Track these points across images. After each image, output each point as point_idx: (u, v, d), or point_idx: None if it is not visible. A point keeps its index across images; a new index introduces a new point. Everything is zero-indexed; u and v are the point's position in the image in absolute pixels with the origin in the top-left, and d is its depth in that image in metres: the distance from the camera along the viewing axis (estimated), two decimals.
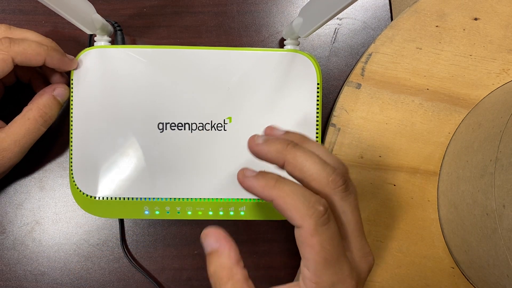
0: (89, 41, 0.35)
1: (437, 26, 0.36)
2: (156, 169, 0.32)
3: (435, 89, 0.36)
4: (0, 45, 0.28)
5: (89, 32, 0.31)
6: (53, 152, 0.37)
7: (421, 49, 0.36)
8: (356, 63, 0.37)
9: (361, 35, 0.38)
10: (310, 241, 0.21)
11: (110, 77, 0.32)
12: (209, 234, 0.24)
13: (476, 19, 0.36)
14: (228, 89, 0.33)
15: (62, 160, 0.37)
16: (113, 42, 0.35)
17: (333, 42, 0.38)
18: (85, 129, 0.32)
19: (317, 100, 0.33)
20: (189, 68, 0.33)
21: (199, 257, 0.37)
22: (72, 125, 0.32)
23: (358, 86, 0.36)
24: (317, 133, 0.33)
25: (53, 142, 0.37)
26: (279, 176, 0.23)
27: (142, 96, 0.32)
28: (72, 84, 0.33)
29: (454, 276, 0.36)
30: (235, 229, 0.37)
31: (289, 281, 0.29)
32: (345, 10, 0.34)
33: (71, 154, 0.33)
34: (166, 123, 0.33)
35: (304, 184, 0.23)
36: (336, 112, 0.36)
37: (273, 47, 0.38)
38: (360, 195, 0.36)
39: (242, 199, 0.33)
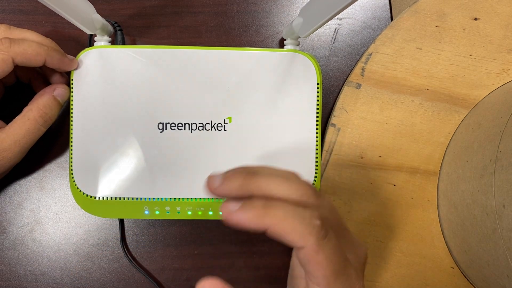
0: (89, 41, 0.35)
1: (437, 26, 0.36)
2: (156, 169, 0.32)
3: (435, 89, 0.36)
4: (0, 45, 0.28)
5: (89, 32, 0.31)
6: (53, 152, 0.37)
7: (421, 49, 0.36)
8: (356, 63, 0.37)
9: (361, 35, 0.38)
10: (316, 259, 0.21)
11: (110, 77, 0.32)
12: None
13: (476, 19, 0.36)
14: (228, 89, 0.33)
15: (62, 160, 0.37)
16: (113, 42, 0.35)
17: (333, 42, 0.38)
18: (85, 129, 0.32)
19: (317, 100, 0.33)
20: (189, 68, 0.33)
21: (199, 257, 0.37)
22: (72, 125, 0.32)
23: (358, 86, 0.36)
24: (317, 133, 0.33)
25: (53, 142, 0.37)
26: (264, 200, 0.22)
27: (142, 96, 0.32)
28: (72, 84, 0.33)
29: (454, 276, 0.36)
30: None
31: None
32: (345, 10, 0.34)
33: (71, 154, 0.33)
34: (166, 123, 0.33)
35: None
36: (336, 112, 0.36)
37: (273, 47, 0.38)
38: (360, 195, 0.36)
39: None
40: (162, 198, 0.32)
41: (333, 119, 0.36)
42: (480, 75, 0.36)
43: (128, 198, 0.32)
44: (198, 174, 0.33)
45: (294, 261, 0.26)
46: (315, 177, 0.33)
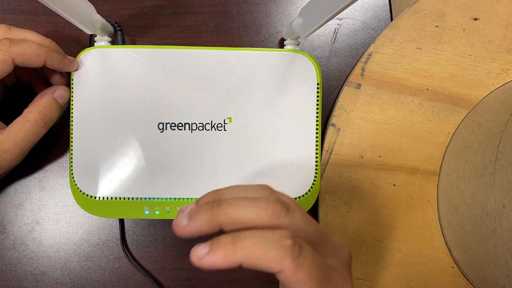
0: (89, 41, 0.35)
1: (437, 26, 0.36)
2: (156, 169, 0.32)
3: (435, 89, 0.36)
4: (1, 46, 0.28)
5: (89, 32, 0.31)
6: (53, 152, 0.37)
7: (421, 49, 0.36)
8: (356, 63, 0.37)
9: (361, 35, 0.38)
10: (297, 278, 0.20)
11: (110, 77, 0.32)
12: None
13: (476, 19, 0.36)
14: (228, 89, 0.33)
15: (62, 160, 0.37)
16: (113, 42, 0.35)
17: (333, 42, 0.38)
18: (85, 129, 0.32)
19: (317, 100, 0.33)
20: (189, 68, 0.33)
21: None
22: (72, 124, 0.33)
23: (358, 86, 0.36)
24: (317, 133, 0.33)
25: (53, 142, 0.37)
26: (231, 235, 0.21)
27: (142, 96, 0.32)
28: (72, 83, 0.33)
29: (454, 276, 0.36)
30: None
31: None
32: (345, 10, 0.34)
33: (71, 154, 0.33)
34: (166, 123, 0.33)
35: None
36: (336, 112, 0.36)
37: (273, 47, 0.38)
38: (360, 195, 0.36)
39: None
40: (162, 198, 0.33)
41: (333, 119, 0.36)
42: (480, 75, 0.36)
43: (128, 198, 0.32)
44: (198, 174, 0.33)
45: (280, 284, 0.26)
46: (315, 177, 0.33)
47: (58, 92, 0.32)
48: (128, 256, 0.36)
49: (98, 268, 0.36)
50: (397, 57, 0.36)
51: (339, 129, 0.36)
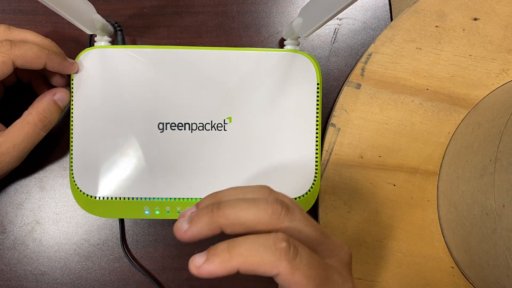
0: (89, 41, 0.35)
1: (437, 26, 0.36)
2: (156, 169, 0.32)
3: (435, 89, 0.36)
4: (1, 48, 0.28)
5: (89, 32, 0.31)
6: (53, 152, 0.37)
7: (421, 49, 0.36)
8: (356, 63, 0.37)
9: (361, 35, 0.38)
10: (294, 280, 0.20)
11: (110, 77, 0.32)
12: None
13: (476, 19, 0.36)
14: (228, 89, 0.33)
15: (63, 160, 0.37)
16: (113, 42, 0.35)
17: (333, 42, 0.38)
18: (85, 129, 0.32)
19: (317, 100, 0.33)
20: (189, 68, 0.33)
21: None
22: (72, 124, 0.33)
23: (358, 86, 0.36)
24: (317, 133, 0.33)
25: (53, 142, 0.37)
26: (227, 242, 0.21)
27: (142, 96, 0.32)
28: (72, 83, 0.33)
29: (454, 276, 0.36)
30: None
31: None
32: (345, 10, 0.34)
33: (72, 154, 0.33)
34: (166, 123, 0.33)
35: (252, 233, 0.22)
36: (336, 112, 0.36)
37: (273, 47, 0.38)
38: (360, 195, 0.36)
39: None
40: (162, 198, 0.33)
41: (333, 119, 0.36)
42: (480, 75, 0.36)
43: (128, 198, 0.32)
44: (198, 174, 0.33)
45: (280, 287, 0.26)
46: (315, 177, 0.33)
47: (58, 94, 0.32)
48: (128, 256, 0.36)
49: (98, 268, 0.36)
50: (397, 57, 0.36)
51: (339, 129, 0.36)
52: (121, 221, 0.36)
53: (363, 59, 0.36)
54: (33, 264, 0.36)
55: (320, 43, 0.38)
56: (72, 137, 0.32)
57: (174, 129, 0.33)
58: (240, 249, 0.21)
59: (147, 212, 0.33)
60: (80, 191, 0.32)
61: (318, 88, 0.33)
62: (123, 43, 0.35)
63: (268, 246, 0.20)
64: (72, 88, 0.33)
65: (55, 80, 0.33)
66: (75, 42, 0.37)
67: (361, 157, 0.36)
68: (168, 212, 0.33)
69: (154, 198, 0.32)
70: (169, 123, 0.33)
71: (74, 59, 0.32)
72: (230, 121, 0.33)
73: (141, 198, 0.32)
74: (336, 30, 0.38)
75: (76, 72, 0.32)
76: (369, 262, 0.36)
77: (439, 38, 0.36)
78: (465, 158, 0.33)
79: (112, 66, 0.32)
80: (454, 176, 0.34)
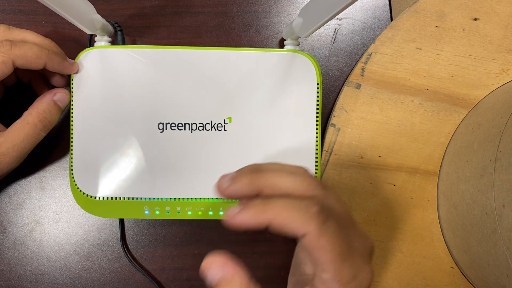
0: (89, 41, 0.35)
1: (436, 26, 0.36)
2: (156, 169, 0.32)
3: (435, 89, 0.36)
4: (1, 48, 0.28)
5: (89, 32, 0.31)
6: (53, 152, 0.37)
7: (421, 49, 0.36)
8: (356, 63, 0.37)
9: (361, 35, 0.38)
10: (319, 243, 0.21)
11: (110, 77, 0.32)
12: (212, 264, 0.22)
13: (475, 19, 0.36)
14: (228, 89, 0.33)
15: (63, 160, 0.37)
16: (113, 42, 0.35)
17: (333, 42, 0.38)
18: (85, 129, 0.32)
19: (317, 100, 0.33)
20: (189, 68, 0.33)
21: (199, 257, 0.37)
22: (72, 124, 0.33)
23: (358, 86, 0.36)
24: (317, 133, 0.33)
25: (53, 142, 0.37)
26: (262, 198, 0.23)
27: (142, 96, 0.32)
28: (72, 83, 0.33)
29: (454, 276, 0.36)
30: None
31: None
32: (345, 10, 0.34)
33: (72, 154, 0.33)
34: (166, 123, 0.33)
35: None
36: (336, 112, 0.36)
37: (273, 47, 0.38)
38: (360, 195, 0.36)
39: None
40: (162, 198, 0.33)
41: (333, 119, 0.36)
42: (480, 75, 0.36)
43: (128, 198, 0.32)
44: (198, 174, 0.33)
45: (298, 250, 0.28)
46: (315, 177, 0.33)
47: (58, 95, 0.32)
48: (128, 256, 0.36)
49: (98, 268, 0.36)
50: (397, 57, 0.36)
51: (339, 129, 0.36)
52: (121, 221, 0.36)
53: (363, 59, 0.36)
54: (33, 264, 0.36)
55: (320, 43, 0.38)
56: (72, 137, 0.32)
57: (174, 129, 0.33)
58: (275, 204, 0.22)
59: (147, 212, 0.33)
60: (80, 191, 0.32)
61: (318, 88, 0.33)
62: (123, 43, 0.35)
63: (301, 207, 0.22)
64: (72, 88, 0.33)
65: (55, 80, 0.33)
66: (75, 42, 0.37)
67: (361, 157, 0.36)
68: (168, 212, 0.33)
69: (154, 198, 0.32)
70: (169, 123, 0.33)
71: (74, 59, 0.32)
72: (230, 121, 0.33)
73: (141, 198, 0.32)
74: (336, 30, 0.38)
75: (76, 72, 0.32)
76: None
77: (439, 38, 0.36)
78: (465, 158, 0.33)
79: (112, 66, 0.32)
80: (454, 176, 0.34)
